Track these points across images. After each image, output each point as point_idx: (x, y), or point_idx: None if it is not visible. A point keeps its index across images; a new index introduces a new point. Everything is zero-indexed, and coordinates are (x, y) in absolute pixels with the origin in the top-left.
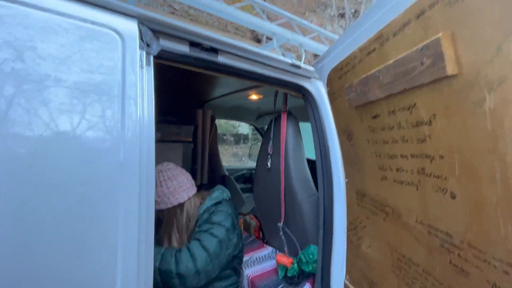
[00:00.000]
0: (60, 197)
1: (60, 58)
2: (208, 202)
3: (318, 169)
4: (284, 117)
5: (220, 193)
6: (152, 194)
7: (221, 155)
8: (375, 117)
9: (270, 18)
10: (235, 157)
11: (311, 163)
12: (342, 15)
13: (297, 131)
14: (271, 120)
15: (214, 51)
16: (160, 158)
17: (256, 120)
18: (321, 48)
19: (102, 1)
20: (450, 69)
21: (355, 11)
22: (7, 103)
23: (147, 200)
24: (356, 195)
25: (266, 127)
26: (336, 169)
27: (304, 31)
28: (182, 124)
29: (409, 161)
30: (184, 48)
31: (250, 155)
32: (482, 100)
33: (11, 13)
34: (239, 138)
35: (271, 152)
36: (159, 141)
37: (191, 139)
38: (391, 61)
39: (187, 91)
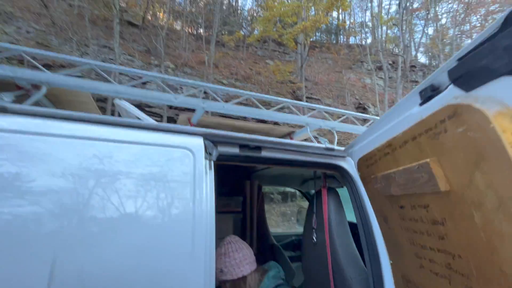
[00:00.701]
0: (137, 265)
1: (150, 173)
2: (267, 282)
3: (364, 247)
4: (324, 193)
5: (276, 272)
6: (213, 266)
7: (268, 215)
8: (401, 207)
9: (305, 111)
10: (283, 217)
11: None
12: (379, 68)
13: (339, 205)
14: (313, 195)
15: (258, 148)
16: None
17: (301, 185)
18: (351, 128)
19: (180, 127)
20: (442, 186)
21: (393, 62)
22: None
23: (210, 270)
24: (402, 280)
25: (312, 191)
26: (381, 249)
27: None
28: (231, 195)
29: (437, 254)
30: (235, 150)
31: (298, 220)
32: (472, 215)
33: (115, 148)
34: (286, 196)
35: (315, 226)
36: None
37: (240, 209)
38: (401, 168)
39: (236, 166)
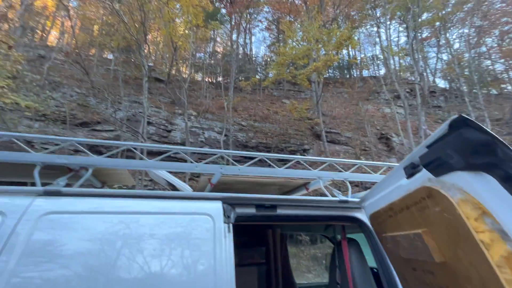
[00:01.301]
0: None
1: (173, 238)
2: None
3: None
4: (345, 245)
5: None
6: None
7: (297, 259)
8: (414, 269)
9: (315, 164)
10: (314, 261)
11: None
12: (397, 97)
13: (361, 257)
14: (333, 249)
15: (273, 207)
16: (238, 284)
17: (325, 230)
18: (365, 176)
19: (199, 194)
20: (437, 257)
21: (411, 90)
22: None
23: None
24: None
25: (338, 236)
26: None
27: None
28: (254, 246)
29: None
30: (251, 210)
31: (327, 267)
32: None
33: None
34: (315, 237)
35: (339, 282)
36: (236, 265)
37: (264, 261)
38: (403, 232)
39: None
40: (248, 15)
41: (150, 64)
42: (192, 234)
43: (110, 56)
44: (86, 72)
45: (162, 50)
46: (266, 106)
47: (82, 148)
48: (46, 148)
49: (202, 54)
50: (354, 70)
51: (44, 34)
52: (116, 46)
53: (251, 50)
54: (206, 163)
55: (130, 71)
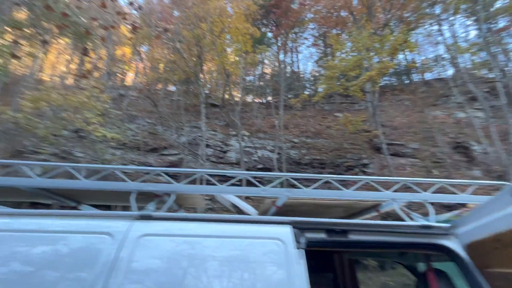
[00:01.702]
0: None
1: (244, 261)
2: None
3: None
4: (432, 279)
5: None
6: None
7: (365, 287)
8: None
9: (387, 184)
10: None
11: None
12: (473, 99)
13: None
14: (417, 280)
15: (344, 232)
16: None
17: (400, 256)
18: (450, 197)
19: (268, 218)
20: None
21: (491, 89)
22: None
23: None
24: None
25: (417, 265)
26: None
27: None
28: (319, 271)
29: None
30: (322, 236)
31: None
32: None
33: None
34: (384, 262)
35: None
36: None
37: None
38: None
39: None
40: (294, 34)
41: (206, 91)
42: (263, 259)
43: (173, 88)
44: (155, 104)
45: (216, 77)
46: (318, 121)
47: (167, 177)
48: (128, 174)
49: (252, 77)
50: (415, 75)
51: (123, 77)
52: (177, 79)
53: (298, 67)
54: (272, 186)
55: (189, 99)
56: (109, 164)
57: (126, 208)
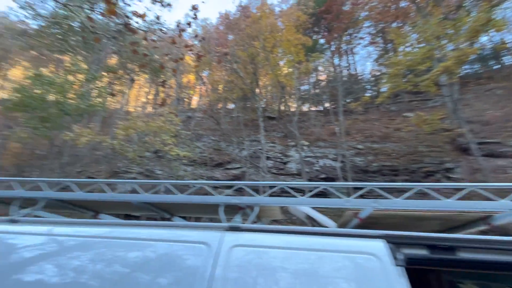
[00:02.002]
0: None
1: (335, 276)
2: None
3: None
4: None
5: None
6: None
7: None
8: None
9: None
10: None
11: None
12: None
13: None
14: None
15: (452, 249)
16: None
17: None
18: None
19: (359, 232)
20: None
21: None
22: None
23: None
24: None
25: None
26: None
27: None
28: None
29: None
30: (423, 252)
31: None
32: None
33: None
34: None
35: None
36: None
37: None
38: None
39: None
40: (347, 36)
41: (263, 105)
42: (356, 275)
43: (232, 106)
44: (218, 122)
45: (271, 90)
46: (384, 124)
47: (250, 191)
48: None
49: (307, 86)
50: (507, 57)
51: (189, 101)
52: (236, 97)
53: (355, 69)
54: (356, 197)
55: (248, 115)
56: (182, 179)
57: (212, 220)
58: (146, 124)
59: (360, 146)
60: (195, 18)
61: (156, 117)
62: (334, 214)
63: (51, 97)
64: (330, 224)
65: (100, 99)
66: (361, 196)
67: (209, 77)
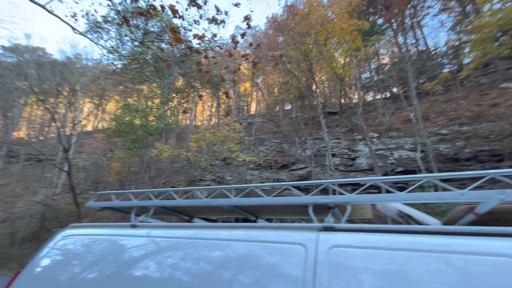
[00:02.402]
0: None
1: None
2: None
3: None
4: None
5: None
6: None
7: None
8: None
9: None
10: None
11: None
12: None
13: None
14: None
15: None
16: None
17: None
18: None
19: (501, 230)
20: None
21: None
22: None
23: None
24: None
25: None
26: None
27: None
28: None
29: None
30: None
31: None
32: None
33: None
34: None
35: None
36: None
37: None
38: None
39: None
40: (412, 9)
41: (322, 101)
42: (504, 283)
43: (290, 107)
44: (278, 125)
45: (329, 85)
46: (474, 101)
47: (340, 189)
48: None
49: (368, 73)
50: None
51: (247, 108)
52: (292, 97)
53: (426, 44)
54: (472, 189)
55: (307, 113)
56: (251, 183)
57: (295, 221)
58: (214, 135)
59: (444, 131)
60: (249, 27)
61: (221, 127)
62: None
63: (137, 122)
64: (433, 222)
65: (173, 118)
66: (478, 188)
67: (264, 82)
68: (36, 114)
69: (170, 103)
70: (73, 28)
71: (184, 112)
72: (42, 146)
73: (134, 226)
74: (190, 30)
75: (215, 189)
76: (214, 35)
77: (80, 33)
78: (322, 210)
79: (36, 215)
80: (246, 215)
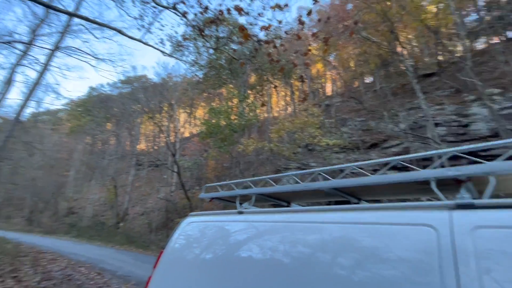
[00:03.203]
0: None
1: None
2: None
3: None
4: None
5: None
6: None
7: None
8: None
9: None
10: None
11: None
12: None
13: None
14: None
15: None
16: None
17: None
18: None
19: None
20: None
21: None
22: None
23: None
24: None
25: None
26: None
27: None
28: None
29: None
30: None
31: None
32: None
33: None
34: None
35: None
36: None
37: None
38: None
39: None
40: None
41: (411, 63)
42: None
43: (371, 79)
44: (360, 101)
45: (418, 42)
46: None
47: (468, 157)
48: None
49: (475, 14)
50: None
51: (323, 90)
52: (373, 68)
53: None
54: None
55: (394, 82)
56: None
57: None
58: (292, 123)
59: None
60: (316, 1)
61: (299, 114)
62: None
63: (222, 122)
64: None
65: (252, 113)
66: None
67: (338, 58)
68: (149, 129)
69: (247, 100)
70: (162, 52)
71: (262, 105)
72: (157, 153)
73: (240, 213)
74: (256, 24)
75: (311, 172)
76: (280, 22)
77: (168, 55)
78: (446, 186)
79: (161, 209)
80: (347, 198)
